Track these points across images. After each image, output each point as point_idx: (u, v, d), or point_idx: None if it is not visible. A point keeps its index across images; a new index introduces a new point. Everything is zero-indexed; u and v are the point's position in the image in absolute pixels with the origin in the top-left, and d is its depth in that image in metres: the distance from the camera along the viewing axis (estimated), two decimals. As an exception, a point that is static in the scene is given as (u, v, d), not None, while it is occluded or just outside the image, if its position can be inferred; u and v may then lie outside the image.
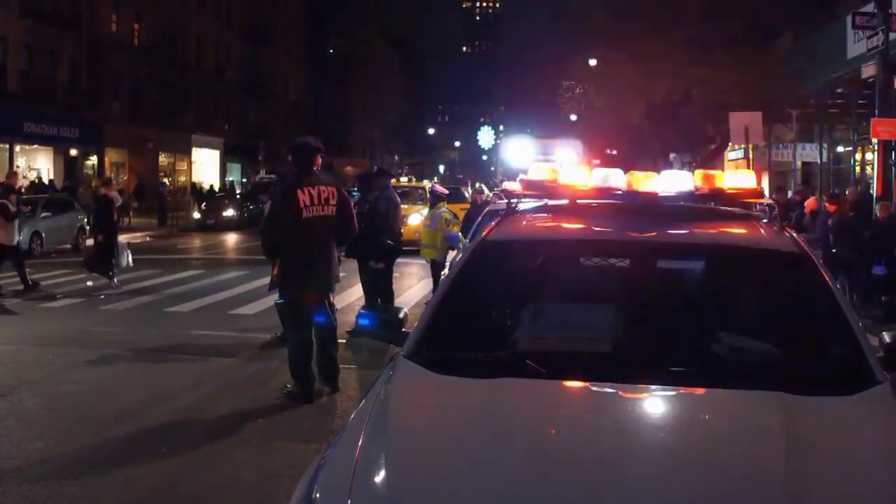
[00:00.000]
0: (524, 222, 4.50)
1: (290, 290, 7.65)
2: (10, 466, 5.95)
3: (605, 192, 4.37)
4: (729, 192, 4.34)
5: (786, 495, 2.47)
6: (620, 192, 4.34)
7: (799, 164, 26.43)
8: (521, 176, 4.89)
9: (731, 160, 31.93)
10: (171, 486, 5.70)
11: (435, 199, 13.84)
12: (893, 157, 16.10)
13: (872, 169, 19.50)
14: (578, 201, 4.54)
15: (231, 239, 28.80)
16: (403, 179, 38.29)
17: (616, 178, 4.38)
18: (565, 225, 4.44)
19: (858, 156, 22.85)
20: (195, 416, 7.30)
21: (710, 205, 4.54)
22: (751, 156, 25.03)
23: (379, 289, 10.76)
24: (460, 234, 13.45)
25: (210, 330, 11.41)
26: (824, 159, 24.58)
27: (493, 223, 4.53)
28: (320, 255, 7.59)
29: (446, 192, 15.08)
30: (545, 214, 4.63)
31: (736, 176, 4.43)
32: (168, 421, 7.12)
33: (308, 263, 7.53)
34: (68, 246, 23.85)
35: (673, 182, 4.32)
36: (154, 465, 6.04)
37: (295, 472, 5.53)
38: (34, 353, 9.93)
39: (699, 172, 4.46)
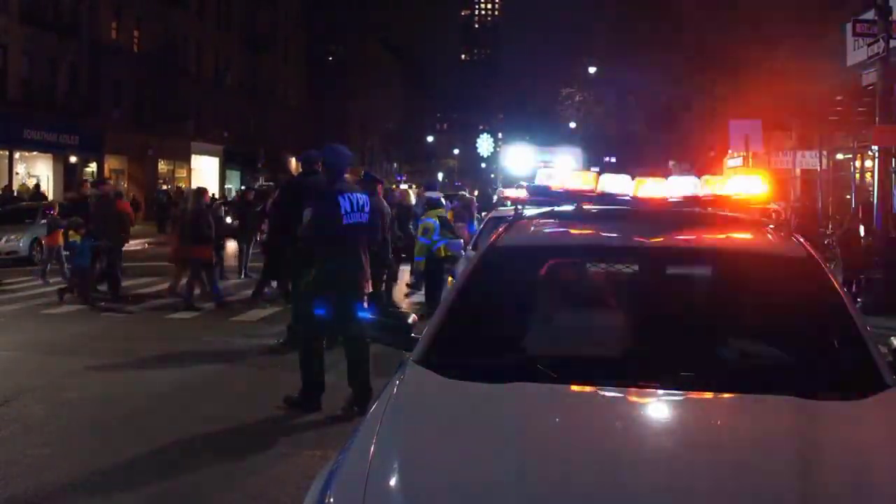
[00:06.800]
0: (532, 228, 4.50)
1: (322, 294, 7.59)
2: (17, 473, 5.95)
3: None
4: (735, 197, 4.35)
5: (799, 501, 2.48)
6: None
7: (798, 171, 26.48)
8: (521, 182, 4.90)
9: (731, 167, 31.99)
10: (176, 492, 5.69)
11: (427, 206, 13.67)
12: (894, 165, 16.14)
13: (872, 176, 19.53)
14: (585, 207, 4.55)
15: (231, 246, 28.73)
16: (403, 187, 38.34)
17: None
18: (573, 231, 4.45)
19: (858, 163, 22.90)
20: (198, 423, 7.28)
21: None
22: (750, 163, 25.09)
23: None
24: (461, 241, 13.40)
25: (213, 336, 11.41)
26: (824, 167, 24.63)
27: (500, 229, 4.53)
28: (356, 261, 7.66)
29: (439, 196, 14.87)
30: (552, 220, 4.64)
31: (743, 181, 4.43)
32: (171, 428, 7.10)
33: (344, 268, 7.56)
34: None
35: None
36: (158, 472, 6.03)
37: (300, 479, 5.53)
38: (37, 359, 9.93)
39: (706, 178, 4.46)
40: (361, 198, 7.72)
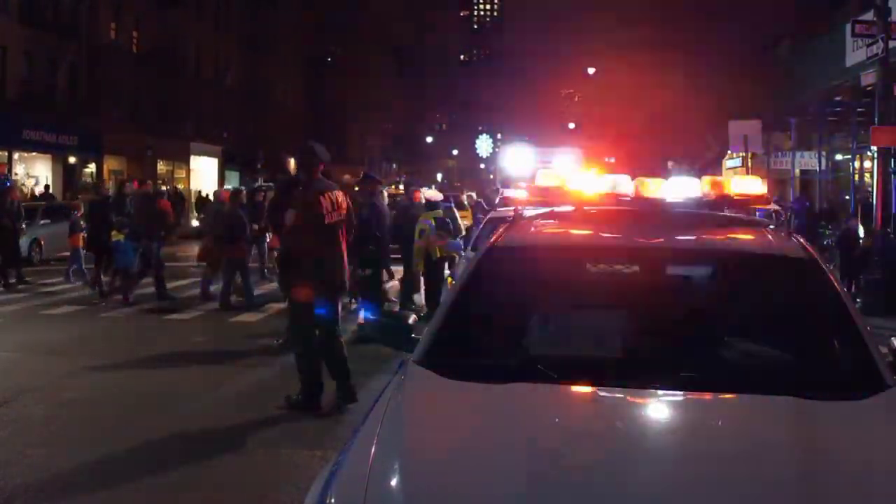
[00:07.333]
0: (532, 229, 4.50)
1: (309, 293, 7.60)
2: (15, 473, 5.94)
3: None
4: (736, 198, 4.36)
5: (800, 501, 2.47)
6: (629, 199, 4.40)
7: (797, 172, 26.50)
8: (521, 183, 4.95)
9: (730, 168, 32.02)
10: (175, 493, 5.70)
11: (426, 207, 13.60)
12: (893, 165, 16.15)
13: (872, 177, 19.54)
14: (585, 208, 4.56)
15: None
16: (402, 187, 38.22)
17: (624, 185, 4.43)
18: (573, 231, 4.46)
19: (857, 164, 22.91)
20: (198, 423, 7.28)
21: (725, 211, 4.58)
22: (749, 164, 25.13)
23: (367, 296, 10.79)
24: (460, 241, 13.37)
25: (212, 337, 11.40)
26: (823, 167, 24.65)
27: (500, 229, 4.53)
28: (340, 259, 7.70)
29: (439, 197, 14.76)
30: (552, 221, 4.64)
31: (744, 182, 4.45)
32: (171, 428, 7.09)
33: (330, 267, 7.59)
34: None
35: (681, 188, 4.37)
36: (158, 473, 6.02)
37: (300, 480, 5.51)
38: (36, 360, 9.92)
39: (706, 179, 4.48)
40: (339, 195, 7.77)
